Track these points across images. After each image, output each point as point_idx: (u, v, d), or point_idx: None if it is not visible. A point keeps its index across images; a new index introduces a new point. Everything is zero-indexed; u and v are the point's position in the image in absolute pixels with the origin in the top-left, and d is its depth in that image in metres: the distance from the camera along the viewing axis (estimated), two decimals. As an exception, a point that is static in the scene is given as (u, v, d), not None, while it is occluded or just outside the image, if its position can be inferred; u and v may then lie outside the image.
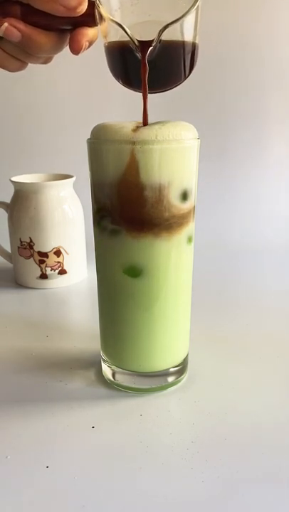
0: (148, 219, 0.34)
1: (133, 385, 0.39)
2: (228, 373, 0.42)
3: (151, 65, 0.32)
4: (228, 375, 0.41)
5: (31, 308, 0.58)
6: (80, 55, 0.35)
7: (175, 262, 0.36)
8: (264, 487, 0.29)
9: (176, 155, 0.33)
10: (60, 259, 0.62)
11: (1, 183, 0.68)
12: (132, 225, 0.34)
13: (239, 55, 0.82)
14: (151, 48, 0.31)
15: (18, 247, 0.62)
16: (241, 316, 0.54)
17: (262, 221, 0.85)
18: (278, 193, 0.87)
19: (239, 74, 0.83)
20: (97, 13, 0.32)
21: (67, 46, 0.35)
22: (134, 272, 0.35)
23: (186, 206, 0.35)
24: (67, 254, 0.62)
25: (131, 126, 0.33)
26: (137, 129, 0.33)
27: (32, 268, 0.62)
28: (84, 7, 0.32)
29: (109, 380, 0.40)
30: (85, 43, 0.34)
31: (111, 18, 0.31)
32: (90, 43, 0.34)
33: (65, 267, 0.62)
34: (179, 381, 0.40)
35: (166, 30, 0.31)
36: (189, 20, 0.31)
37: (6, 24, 0.32)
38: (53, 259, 0.61)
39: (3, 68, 0.36)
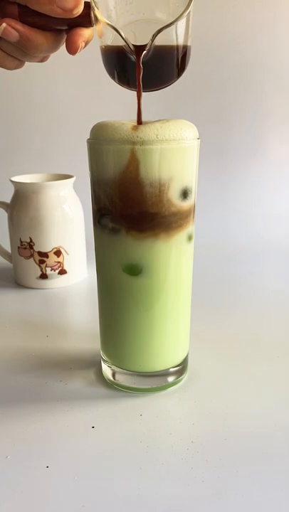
0: (148, 217, 0.34)
1: (133, 385, 0.39)
2: (228, 373, 0.42)
3: (145, 66, 0.33)
4: (228, 375, 0.41)
5: (31, 308, 0.58)
6: (78, 56, 0.35)
7: (175, 260, 0.36)
8: (264, 487, 0.29)
9: (177, 154, 0.33)
10: (60, 259, 0.62)
11: (1, 183, 0.68)
12: (132, 223, 0.34)
13: (240, 54, 0.82)
14: (145, 51, 0.33)
15: (18, 247, 0.62)
16: (241, 316, 0.54)
17: (262, 221, 0.85)
18: (278, 192, 0.87)
19: (239, 74, 0.83)
20: (92, 15, 0.33)
21: (64, 45, 0.35)
22: (134, 270, 0.35)
23: (186, 204, 0.35)
24: (67, 254, 0.62)
25: (131, 124, 0.33)
26: (137, 127, 0.33)
27: (32, 268, 0.62)
28: (80, 9, 0.33)
29: (109, 380, 0.40)
30: (82, 44, 0.35)
31: (107, 21, 0.32)
32: (86, 43, 0.35)
33: (65, 267, 0.62)
34: (179, 381, 0.40)
35: (160, 33, 0.31)
36: (182, 24, 0.32)
37: (4, 24, 0.33)
38: (53, 259, 0.61)
39: (1, 67, 0.37)
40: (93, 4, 0.32)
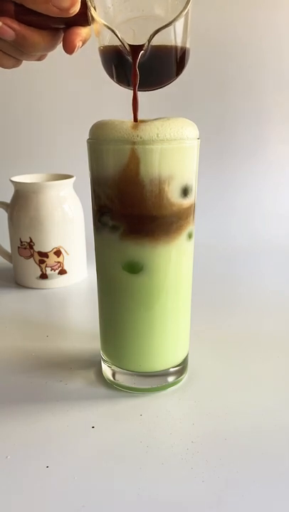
0: (148, 215, 0.34)
1: (133, 385, 0.39)
2: (228, 373, 0.42)
3: (143, 65, 0.33)
4: (228, 375, 0.41)
5: (31, 308, 0.58)
6: (78, 56, 0.35)
7: (175, 258, 0.36)
8: (264, 487, 0.29)
9: (177, 154, 0.33)
10: (60, 259, 0.62)
11: (1, 183, 0.68)
12: (132, 221, 0.34)
13: (241, 53, 0.82)
14: (142, 52, 0.32)
15: (18, 247, 0.62)
16: (242, 316, 0.54)
17: (263, 221, 0.85)
18: (279, 192, 0.87)
19: (241, 73, 0.83)
20: (89, 15, 0.33)
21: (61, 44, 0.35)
22: (135, 268, 0.35)
23: (186, 202, 0.35)
24: (67, 254, 0.62)
25: (130, 123, 0.33)
26: (137, 126, 0.33)
27: (32, 268, 0.62)
28: (77, 8, 0.32)
29: (109, 380, 0.40)
30: (79, 43, 0.34)
31: (103, 22, 0.32)
32: (84, 42, 0.35)
33: (65, 267, 0.62)
34: (179, 381, 0.40)
35: (157, 34, 0.31)
36: (180, 24, 0.32)
37: (0, 24, 0.32)
38: (53, 259, 0.61)
39: None
40: (89, 4, 0.32)
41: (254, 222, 0.85)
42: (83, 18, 0.33)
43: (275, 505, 0.28)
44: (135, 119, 0.34)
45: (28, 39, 0.34)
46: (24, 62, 0.38)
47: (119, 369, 0.39)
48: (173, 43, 0.33)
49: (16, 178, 0.64)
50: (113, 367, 0.40)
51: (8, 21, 0.33)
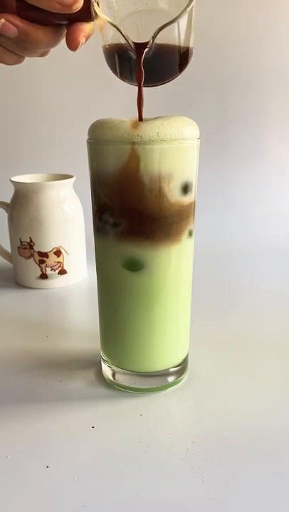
0: (149, 214, 0.34)
1: (133, 385, 0.39)
2: (228, 373, 0.42)
3: (147, 62, 0.33)
4: (228, 375, 0.41)
5: (31, 308, 0.58)
6: (78, 56, 0.35)
7: (176, 257, 0.36)
8: (264, 487, 0.29)
9: (177, 154, 0.33)
10: (60, 259, 0.62)
11: (1, 183, 0.68)
12: (132, 220, 0.34)
13: (241, 53, 0.82)
14: (147, 49, 0.32)
15: (18, 247, 0.62)
16: (242, 316, 0.54)
17: (262, 221, 0.85)
18: (279, 192, 0.87)
19: (240, 73, 0.83)
20: (92, 11, 0.33)
21: (65, 40, 0.35)
22: (135, 266, 0.35)
23: (186, 201, 0.35)
24: (67, 254, 0.62)
25: (130, 122, 0.33)
26: (137, 125, 0.33)
27: (32, 268, 0.62)
28: (80, 4, 0.32)
29: (109, 380, 0.40)
30: (82, 39, 0.34)
31: (107, 19, 0.31)
32: (87, 38, 0.34)
33: (65, 267, 0.62)
34: (179, 381, 0.40)
35: (161, 30, 0.31)
36: (184, 21, 0.32)
37: (2, 20, 0.32)
38: (53, 259, 0.61)
39: (0, 62, 0.36)
40: (93, 0, 0.32)
41: (254, 222, 0.85)
42: (86, 14, 0.33)
43: (275, 505, 0.28)
44: (140, 118, 0.34)
45: (31, 35, 0.33)
46: (25, 60, 0.37)
47: (119, 369, 0.39)
48: (177, 41, 0.33)
49: (16, 178, 0.64)
50: (113, 367, 0.40)
51: (11, 18, 0.32)
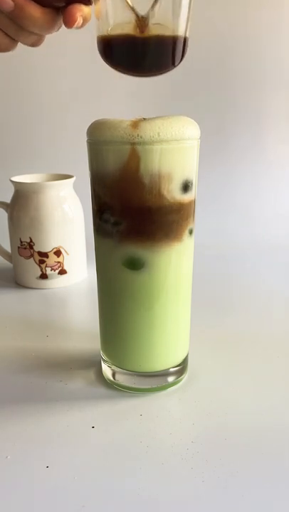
0: (149, 213, 0.34)
1: (133, 385, 0.39)
2: (228, 373, 0.42)
3: (142, 48, 0.33)
4: (228, 375, 0.41)
5: (31, 308, 0.58)
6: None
7: (177, 256, 0.36)
8: (264, 487, 0.29)
9: (178, 154, 0.33)
10: (60, 259, 0.62)
11: (1, 183, 0.68)
12: (133, 220, 0.34)
13: (241, 52, 0.82)
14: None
15: (18, 247, 0.62)
16: (242, 316, 0.54)
17: (262, 220, 0.85)
18: (279, 192, 0.87)
19: (240, 73, 0.83)
20: None
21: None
22: (136, 264, 0.35)
23: (186, 199, 0.35)
24: (67, 254, 0.62)
25: (130, 122, 0.33)
26: (137, 125, 0.32)
27: (32, 268, 0.62)
28: None
29: (109, 380, 0.40)
30: (79, 18, 0.33)
31: None
32: (85, 20, 0.34)
33: (65, 267, 0.62)
34: (179, 381, 0.40)
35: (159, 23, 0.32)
36: (182, 12, 0.32)
37: None
38: (53, 259, 0.61)
39: None
40: None
41: (254, 222, 0.85)
42: None
43: (275, 505, 0.28)
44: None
45: (27, 12, 0.32)
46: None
47: (119, 369, 0.39)
48: (174, 26, 0.33)
49: (16, 178, 0.64)
50: (113, 367, 0.40)
51: None
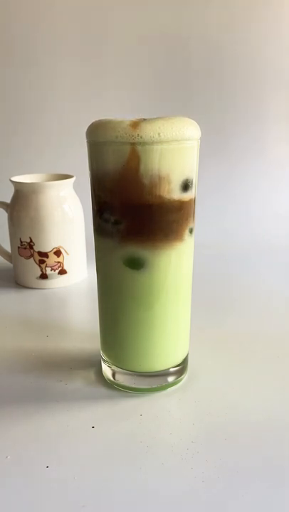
0: (149, 213, 0.34)
1: (133, 385, 0.39)
2: (228, 373, 0.42)
3: None
4: (228, 375, 0.41)
5: (31, 308, 0.58)
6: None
7: (176, 255, 0.36)
8: (264, 487, 0.29)
9: (178, 154, 0.33)
10: (60, 259, 0.62)
11: (1, 183, 0.68)
12: (132, 219, 0.34)
13: (241, 51, 0.82)
14: None
15: (18, 247, 0.62)
16: (242, 316, 0.54)
17: (262, 220, 0.85)
18: (279, 192, 0.87)
19: (240, 73, 0.83)
20: None
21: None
22: (136, 263, 0.35)
23: (186, 199, 0.35)
24: (67, 254, 0.62)
25: (130, 122, 0.33)
26: (137, 125, 0.32)
27: (32, 268, 0.62)
28: None
29: (109, 380, 0.40)
30: None
31: None
32: None
33: (65, 267, 0.62)
34: (179, 381, 0.40)
35: None
36: None
37: None
38: (53, 259, 0.61)
39: None
40: None
41: (254, 222, 0.85)
42: None
43: (275, 505, 0.28)
44: None
45: None
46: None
47: (119, 369, 0.39)
48: None
49: (16, 178, 0.64)
50: (113, 367, 0.40)
51: None
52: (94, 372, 0.42)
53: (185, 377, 0.41)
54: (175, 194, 0.34)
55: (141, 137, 0.32)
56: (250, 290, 0.61)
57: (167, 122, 0.33)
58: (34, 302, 0.59)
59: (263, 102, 0.84)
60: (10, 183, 0.62)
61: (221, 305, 0.57)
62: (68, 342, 0.48)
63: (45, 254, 0.61)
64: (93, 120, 0.35)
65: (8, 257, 0.66)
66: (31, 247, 0.61)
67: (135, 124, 0.32)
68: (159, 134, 0.32)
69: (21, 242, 0.61)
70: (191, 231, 0.37)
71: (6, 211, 0.64)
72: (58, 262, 0.62)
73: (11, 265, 0.66)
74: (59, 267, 0.62)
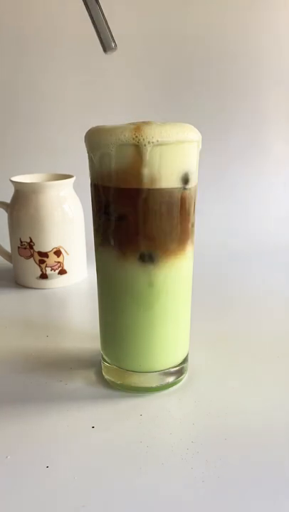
0: (149, 214, 0.34)
1: (133, 385, 0.39)
2: (228, 373, 0.42)
3: None
4: (228, 375, 0.41)
5: (31, 308, 0.58)
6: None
7: (177, 254, 0.36)
8: (264, 487, 0.29)
9: (178, 156, 0.33)
10: (60, 259, 0.62)
11: (1, 183, 0.68)
12: (133, 219, 0.34)
13: (240, 51, 0.82)
14: None
15: (18, 247, 0.62)
16: (241, 316, 0.54)
17: (263, 221, 0.85)
18: (279, 192, 0.87)
19: (240, 73, 0.83)
20: None
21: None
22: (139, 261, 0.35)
23: (186, 200, 0.35)
24: (67, 254, 0.62)
25: (130, 126, 0.33)
26: (138, 128, 0.33)
27: (32, 268, 0.62)
28: None
29: (109, 380, 0.40)
30: None
31: None
32: None
33: (65, 267, 0.62)
34: (179, 381, 0.40)
35: None
36: None
37: None
38: (53, 259, 0.61)
39: None
40: None
41: (254, 223, 0.85)
42: None
43: (275, 505, 0.28)
44: None
45: None
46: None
47: (119, 369, 0.39)
48: None
49: (16, 178, 0.64)
50: (113, 367, 0.40)
51: None
52: (94, 372, 0.42)
53: (185, 377, 0.41)
54: (176, 193, 0.34)
55: (142, 139, 0.32)
56: (250, 290, 0.61)
57: (168, 126, 0.33)
58: (34, 302, 0.59)
59: (263, 102, 0.84)
60: (10, 183, 0.62)
61: (220, 305, 0.57)
62: (68, 342, 0.48)
63: (45, 254, 0.61)
64: (93, 119, 0.35)
65: (8, 257, 0.66)
66: (31, 247, 0.61)
67: (136, 127, 0.33)
68: (159, 135, 0.32)
69: (21, 242, 0.61)
70: (191, 230, 0.37)
71: (6, 211, 0.64)
72: (58, 262, 0.62)
73: (11, 265, 0.66)
74: (59, 267, 0.62)
